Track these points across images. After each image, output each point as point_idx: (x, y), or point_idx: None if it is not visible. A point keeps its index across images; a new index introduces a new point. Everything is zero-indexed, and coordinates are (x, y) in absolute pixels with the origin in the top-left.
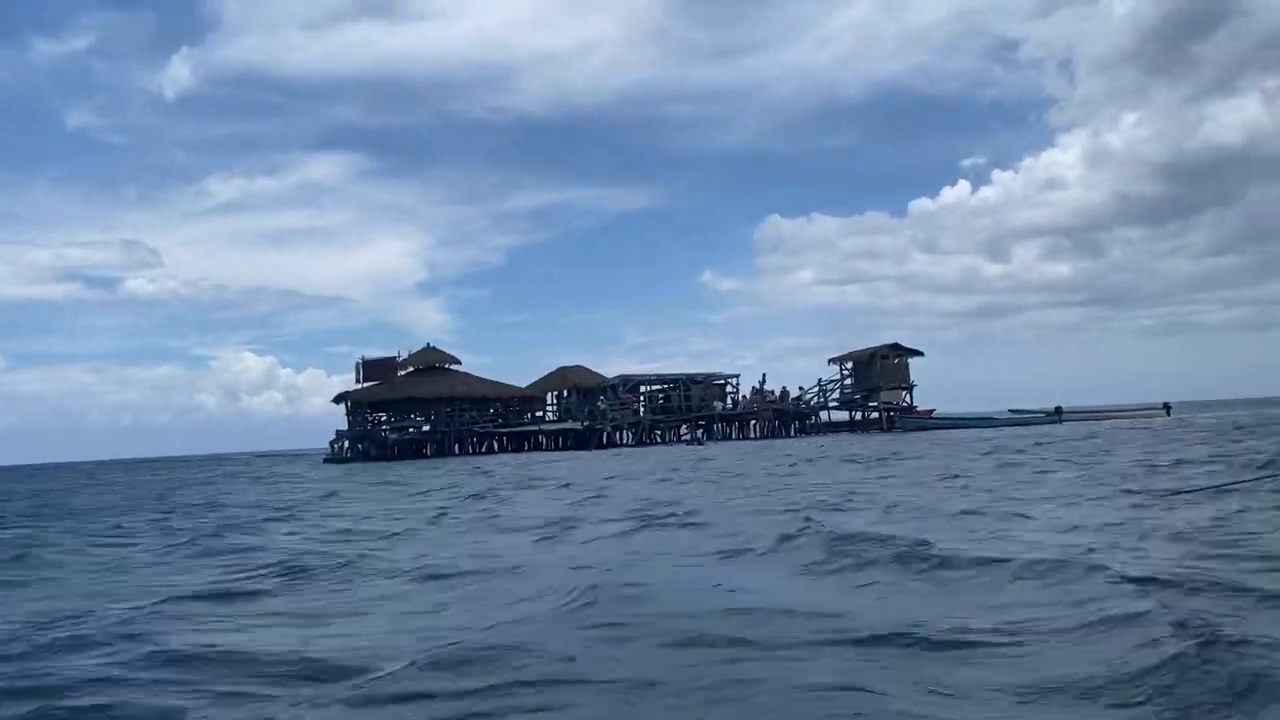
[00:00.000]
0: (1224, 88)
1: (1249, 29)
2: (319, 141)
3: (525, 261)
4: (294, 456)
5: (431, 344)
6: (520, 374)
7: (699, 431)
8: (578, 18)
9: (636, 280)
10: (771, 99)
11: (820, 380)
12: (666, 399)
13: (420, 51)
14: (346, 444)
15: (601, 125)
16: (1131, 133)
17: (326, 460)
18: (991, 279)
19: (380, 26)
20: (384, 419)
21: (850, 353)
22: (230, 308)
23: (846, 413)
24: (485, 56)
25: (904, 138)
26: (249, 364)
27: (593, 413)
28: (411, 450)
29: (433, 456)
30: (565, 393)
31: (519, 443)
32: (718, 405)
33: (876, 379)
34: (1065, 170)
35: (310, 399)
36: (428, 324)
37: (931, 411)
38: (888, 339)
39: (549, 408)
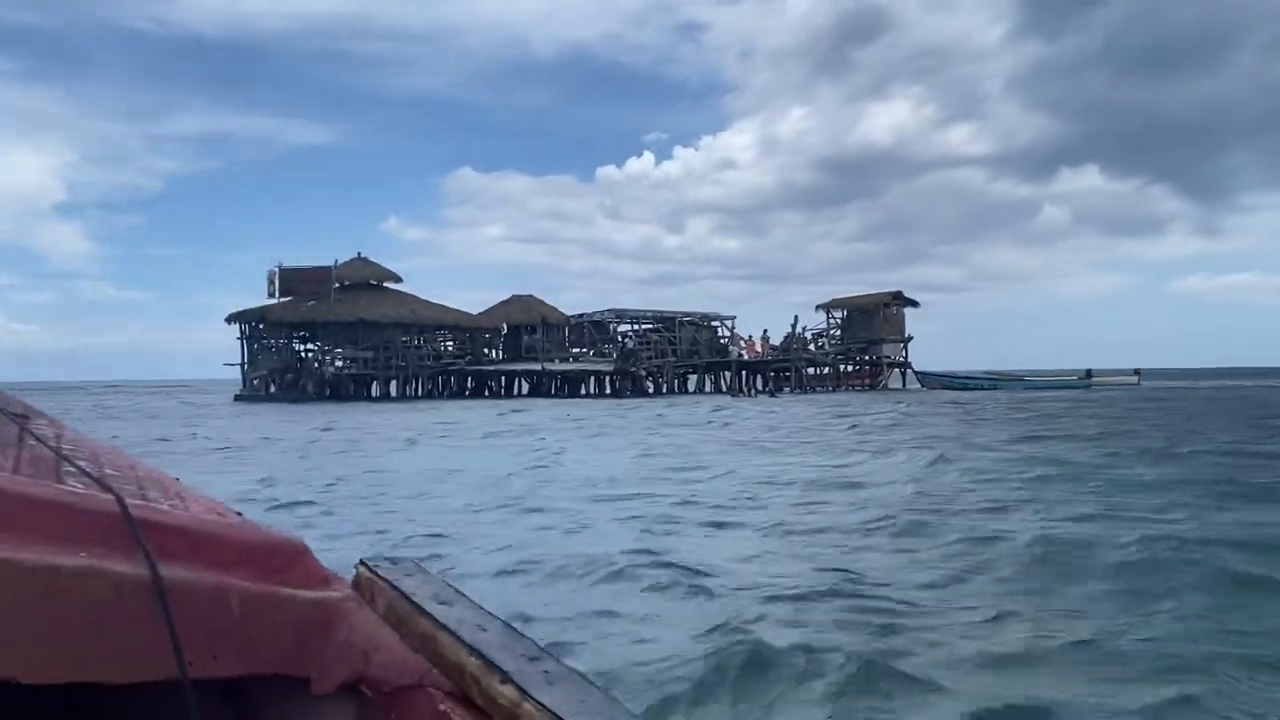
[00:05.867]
0: (878, 92)
1: (901, 42)
2: None
3: (187, 190)
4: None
5: (362, 254)
6: (173, 314)
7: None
8: None
9: (312, 220)
10: (466, 47)
11: (804, 328)
12: (658, 340)
13: None
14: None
15: (281, 53)
16: (799, 124)
17: (238, 398)
18: (669, 249)
19: None
20: (308, 348)
21: (840, 299)
22: None
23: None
24: None
25: (595, 104)
26: None
27: (624, 353)
28: (351, 390)
29: (379, 399)
30: (531, 327)
31: (493, 385)
32: (734, 351)
33: (879, 330)
34: (739, 153)
35: None
36: (67, 250)
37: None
38: (573, 303)
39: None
